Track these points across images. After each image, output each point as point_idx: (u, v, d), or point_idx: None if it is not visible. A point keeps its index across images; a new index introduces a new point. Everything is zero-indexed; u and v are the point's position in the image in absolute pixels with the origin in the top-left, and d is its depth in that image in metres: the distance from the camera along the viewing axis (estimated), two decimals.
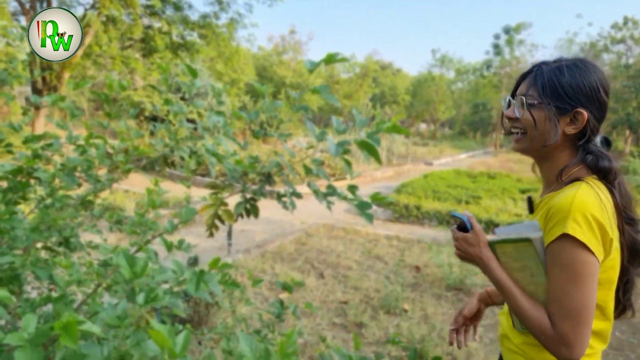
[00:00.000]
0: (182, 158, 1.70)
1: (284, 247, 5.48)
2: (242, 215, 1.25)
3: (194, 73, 1.48)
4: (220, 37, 13.53)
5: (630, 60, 29.89)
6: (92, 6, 10.97)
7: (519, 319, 1.11)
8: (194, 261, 2.96)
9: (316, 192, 1.25)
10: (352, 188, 1.26)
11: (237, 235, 5.96)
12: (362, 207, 1.16)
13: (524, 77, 1.18)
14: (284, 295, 4.05)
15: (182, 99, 13.75)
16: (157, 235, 1.20)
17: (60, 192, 1.51)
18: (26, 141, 1.55)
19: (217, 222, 1.25)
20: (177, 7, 12.81)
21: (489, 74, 34.63)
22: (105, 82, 1.56)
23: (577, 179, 1.09)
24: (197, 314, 3.05)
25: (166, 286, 1.06)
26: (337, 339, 3.31)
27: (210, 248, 5.31)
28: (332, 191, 1.25)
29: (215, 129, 1.70)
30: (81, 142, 1.61)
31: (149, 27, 12.48)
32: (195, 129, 1.70)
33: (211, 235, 1.28)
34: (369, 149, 1.12)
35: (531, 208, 1.23)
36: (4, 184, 1.37)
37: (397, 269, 4.91)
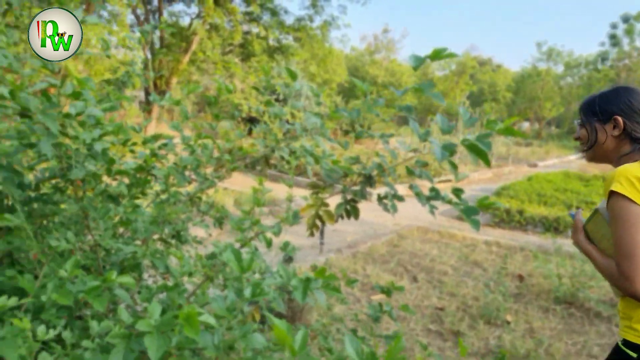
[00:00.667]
0: (282, 158, 1.73)
1: (375, 248, 5.43)
2: (342, 216, 1.23)
3: (293, 76, 1.50)
4: (314, 39, 13.82)
5: None
6: (198, 15, 11.79)
7: (604, 276, 1.36)
8: (288, 259, 3.03)
9: (419, 195, 1.19)
10: (458, 191, 1.19)
11: (329, 235, 6.02)
12: (468, 213, 1.08)
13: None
14: (377, 297, 4.00)
15: (277, 100, 14.28)
16: (260, 233, 1.23)
17: (173, 189, 1.61)
18: (145, 141, 1.68)
19: (317, 222, 1.24)
20: (274, 13, 13.33)
21: (605, 67, 31.43)
22: (206, 87, 1.64)
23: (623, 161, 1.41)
24: (291, 310, 3.12)
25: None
26: (432, 347, 3.18)
27: (303, 246, 5.42)
28: (435, 194, 1.18)
29: (313, 130, 1.71)
30: (191, 142, 1.71)
31: (247, 32, 13.14)
32: (287, 130, 1.72)
33: (311, 235, 1.28)
34: (478, 152, 1.04)
35: None
36: (126, 180, 1.49)
37: (497, 277, 4.61)
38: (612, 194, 1.27)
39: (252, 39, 12.99)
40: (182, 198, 1.58)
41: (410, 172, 1.20)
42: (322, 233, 5.11)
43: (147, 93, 11.29)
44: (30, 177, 1.22)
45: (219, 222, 1.76)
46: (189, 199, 1.70)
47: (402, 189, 1.23)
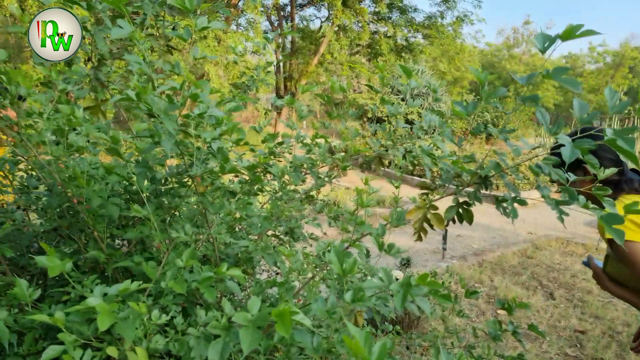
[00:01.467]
0: (395, 158, 1.67)
1: (505, 257, 5.01)
2: (453, 221, 1.13)
3: (408, 73, 1.43)
4: (444, 35, 13.29)
5: None
6: (327, 18, 12.14)
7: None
8: (406, 262, 2.93)
9: (547, 198, 1.04)
10: (600, 192, 1.01)
11: (452, 240, 5.73)
12: (610, 221, 0.91)
13: None
14: (504, 312, 3.69)
15: (403, 100, 14.05)
16: (366, 234, 1.19)
17: (289, 187, 1.66)
18: (264, 140, 1.76)
19: (426, 226, 1.16)
20: (403, 11, 13.13)
21: None
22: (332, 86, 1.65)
23: None
24: (408, 316, 3.02)
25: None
26: None
27: (424, 250, 5.24)
28: (569, 197, 1.02)
29: (432, 129, 1.62)
30: (308, 141, 1.74)
31: (375, 32, 13.14)
32: (411, 129, 1.65)
33: (419, 239, 1.20)
34: (621, 150, 0.87)
35: None
36: (246, 177, 1.57)
37: None
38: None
39: (379, 39, 12.95)
40: (297, 196, 1.62)
41: (535, 172, 1.06)
42: (444, 237, 4.88)
43: (278, 95, 12.01)
44: (163, 172, 1.35)
45: (334, 221, 1.76)
46: (304, 196, 1.73)
47: (533, 193, 1.09)
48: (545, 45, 0.95)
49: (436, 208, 1.14)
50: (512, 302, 1.32)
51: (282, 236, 1.61)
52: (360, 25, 11.91)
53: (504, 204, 1.05)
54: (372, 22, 12.53)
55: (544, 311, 3.69)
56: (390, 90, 14.55)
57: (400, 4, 12.92)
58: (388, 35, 12.83)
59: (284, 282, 1.21)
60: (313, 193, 1.75)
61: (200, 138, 1.10)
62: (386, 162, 1.68)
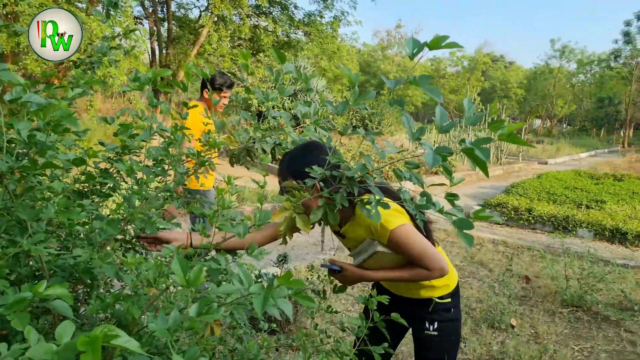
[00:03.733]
0: (264, 151, 1.60)
1: None
2: (319, 223, 1.10)
3: (282, 58, 1.36)
4: (323, 34, 13.63)
5: None
6: (207, 8, 11.66)
7: (405, 280, 1.58)
8: (283, 258, 2.90)
9: (407, 202, 1.06)
10: (451, 198, 1.05)
11: (328, 231, 5.88)
12: (461, 226, 0.94)
13: None
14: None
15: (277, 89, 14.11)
16: (228, 239, 1.10)
17: (150, 185, 1.49)
18: (117, 134, 1.56)
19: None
20: (284, 7, 13.17)
21: (618, 65, 30.79)
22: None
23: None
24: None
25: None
26: None
27: (304, 243, 5.30)
28: (426, 202, 1.04)
29: (305, 120, 1.58)
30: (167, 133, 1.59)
31: (256, 26, 12.99)
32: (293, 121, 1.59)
33: (284, 243, 1.15)
34: (476, 160, 0.90)
35: (342, 235, 1.70)
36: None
37: (503, 278, 4.45)
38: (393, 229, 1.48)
39: (260, 33, 12.83)
40: (152, 194, 1.46)
41: (398, 176, 1.06)
42: (323, 230, 4.97)
43: (154, 90, 11.23)
44: None
45: (193, 224, 1.63)
46: (163, 195, 1.58)
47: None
48: (415, 51, 0.96)
49: (302, 210, 1.10)
50: (374, 296, 1.33)
51: (132, 242, 1.44)
52: (240, 17, 11.66)
53: (368, 206, 1.04)
54: (253, 15, 12.34)
55: None
56: (273, 85, 14.52)
57: (281, 0, 12.94)
58: (269, 30, 12.77)
59: (130, 295, 1.07)
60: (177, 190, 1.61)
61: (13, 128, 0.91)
62: (259, 156, 1.61)
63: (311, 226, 1.11)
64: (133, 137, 1.51)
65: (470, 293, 4.02)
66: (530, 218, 7.05)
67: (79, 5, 8.78)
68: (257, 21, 13.21)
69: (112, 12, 1.60)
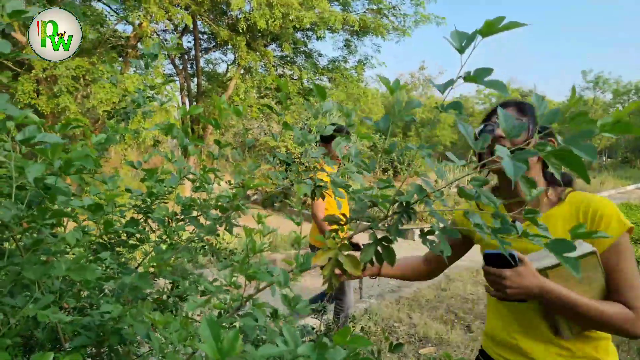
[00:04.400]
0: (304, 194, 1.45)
1: (421, 292, 4.97)
2: (371, 262, 0.92)
3: (322, 94, 1.23)
4: (348, 79, 13.80)
5: None
6: (234, 62, 12.05)
7: (597, 323, 1.11)
8: (322, 309, 2.66)
9: (480, 227, 0.87)
10: (532, 215, 0.86)
11: (368, 278, 5.61)
12: (560, 250, 0.75)
13: (495, 109, 1.21)
14: (425, 351, 3.55)
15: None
16: (264, 288, 0.94)
17: (181, 235, 1.35)
18: (144, 179, 1.45)
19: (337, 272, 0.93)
20: (308, 55, 13.48)
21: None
22: (240, 130, 1.41)
23: (562, 192, 1.25)
24: None
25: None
26: None
27: None
28: (504, 225, 0.85)
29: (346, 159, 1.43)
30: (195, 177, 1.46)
31: (281, 75, 13.29)
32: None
33: (330, 290, 0.97)
34: (574, 164, 0.73)
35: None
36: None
37: None
38: (627, 232, 1.15)
39: (286, 82, 13.10)
40: (189, 245, 1.32)
41: (467, 195, 0.89)
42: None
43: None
44: None
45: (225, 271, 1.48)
46: (195, 244, 1.44)
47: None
48: (464, 44, 0.80)
49: (350, 248, 0.93)
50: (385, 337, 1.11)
51: (165, 297, 1.29)
52: (266, 67, 11.96)
53: (431, 237, 0.87)
54: (278, 65, 12.66)
55: (464, 346, 3.60)
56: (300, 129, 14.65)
57: (305, 48, 13.26)
58: (294, 77, 13.03)
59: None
60: (208, 239, 1.47)
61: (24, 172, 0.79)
62: (294, 200, 1.46)
63: (362, 267, 0.93)
64: (161, 182, 1.39)
65: None
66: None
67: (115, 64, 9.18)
68: (282, 71, 13.53)
69: (150, 65, 1.56)
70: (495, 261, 1.12)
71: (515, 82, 46.11)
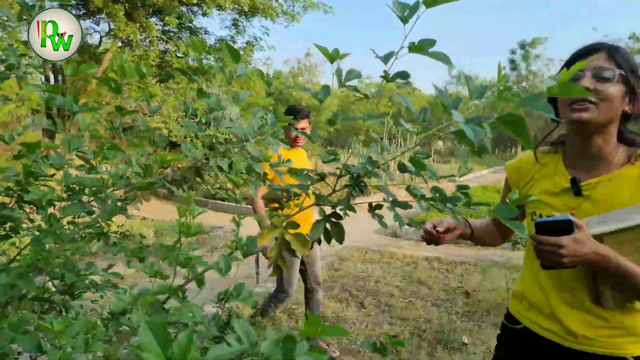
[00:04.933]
0: (220, 169, 1.30)
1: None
2: (319, 241, 0.84)
3: (236, 55, 1.09)
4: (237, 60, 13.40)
5: None
6: (108, 33, 10.92)
7: None
8: (224, 297, 2.52)
9: (420, 199, 0.83)
10: (464, 190, 0.85)
11: (263, 262, 5.53)
12: (504, 214, 0.74)
13: (590, 52, 1.16)
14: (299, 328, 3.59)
15: (199, 123, 13.55)
16: (196, 276, 0.80)
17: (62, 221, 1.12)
18: (18, 156, 1.18)
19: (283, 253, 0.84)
20: (193, 32, 12.77)
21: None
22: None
23: (637, 155, 1.15)
24: None
25: None
26: None
27: (238, 276, 4.89)
28: (442, 195, 0.83)
29: (258, 135, 1.32)
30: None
31: (165, 51, 12.41)
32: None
33: (277, 274, 0.87)
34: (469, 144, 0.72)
35: (579, 190, 1.18)
36: None
37: (445, 295, 4.41)
38: None
39: (171, 60, 12.25)
40: (69, 231, 1.10)
41: (403, 169, 0.85)
42: (257, 260, 4.62)
43: (50, 117, 10.16)
44: None
45: (139, 259, 1.28)
46: (84, 231, 1.22)
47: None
48: (407, 13, 0.75)
49: (297, 226, 0.83)
50: (386, 340, 1.07)
51: (51, 297, 1.07)
52: (148, 41, 11.04)
53: (379, 211, 0.81)
54: (161, 39, 11.77)
55: (359, 322, 3.73)
56: (184, 114, 13.86)
57: (190, 24, 12.53)
58: (179, 55, 12.25)
59: None
60: (99, 225, 1.25)
61: None
62: (206, 177, 1.30)
63: (310, 245, 0.84)
64: (45, 159, 1.14)
65: (417, 314, 3.90)
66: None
67: None
68: (165, 47, 12.63)
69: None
70: (548, 229, 1.05)
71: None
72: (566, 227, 1.03)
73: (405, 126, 0.83)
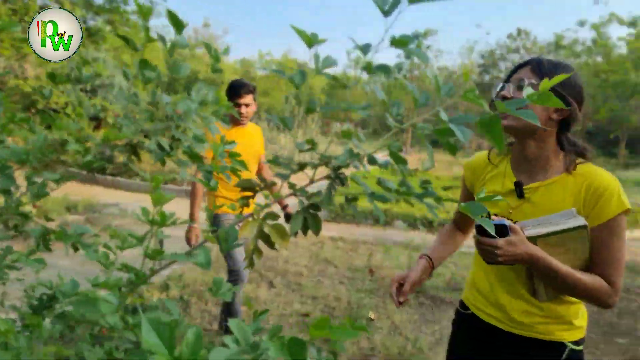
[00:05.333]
0: (160, 147, 1.19)
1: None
2: (295, 234, 0.81)
3: (179, 25, 0.99)
4: (129, 23, 12.33)
5: None
6: None
7: (575, 292, 1.21)
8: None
9: (386, 191, 0.84)
10: (426, 184, 0.88)
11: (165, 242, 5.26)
12: (474, 211, 0.77)
13: (520, 66, 1.30)
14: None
15: (84, 91, 12.31)
16: (159, 270, 0.73)
17: None
18: None
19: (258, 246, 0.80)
20: None
21: (400, 76, 36.09)
22: None
23: (575, 162, 1.25)
24: None
25: None
26: None
27: (131, 257, 4.60)
28: (410, 188, 0.85)
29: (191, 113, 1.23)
30: None
31: (43, 7, 10.96)
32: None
33: (251, 266, 0.83)
34: (450, 146, 0.75)
35: (521, 193, 1.30)
36: None
37: (351, 273, 4.60)
38: (624, 212, 1.18)
39: None
40: None
41: (373, 162, 0.86)
42: (161, 242, 4.37)
43: None
44: None
45: (16, 230, 1.12)
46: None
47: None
48: (387, 7, 0.74)
49: (276, 217, 0.79)
50: (350, 324, 1.07)
51: None
52: None
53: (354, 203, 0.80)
54: None
55: (271, 302, 3.75)
56: (67, 79, 12.42)
57: None
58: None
59: None
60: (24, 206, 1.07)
61: None
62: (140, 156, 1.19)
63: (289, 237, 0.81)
64: None
65: (326, 292, 4.02)
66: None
67: None
68: (43, 1, 11.16)
69: None
70: (486, 232, 1.15)
71: (293, 53, 49.16)
72: (502, 230, 1.15)
73: (390, 121, 0.82)
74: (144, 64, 1.10)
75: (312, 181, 0.80)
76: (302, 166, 0.81)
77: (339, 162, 0.78)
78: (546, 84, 0.72)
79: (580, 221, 1.17)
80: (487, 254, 1.17)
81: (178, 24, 0.99)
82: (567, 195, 1.22)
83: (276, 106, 27.61)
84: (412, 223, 7.24)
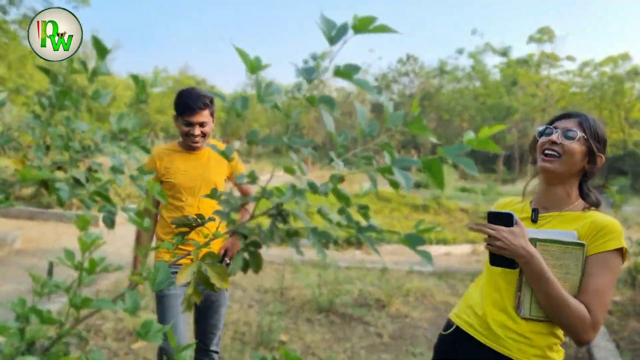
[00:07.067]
0: (76, 181, 1.12)
1: (120, 282, 4.61)
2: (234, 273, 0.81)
3: (102, 50, 0.96)
4: (8, 34, 11.14)
5: (413, 91, 35.75)
6: None
7: (557, 311, 1.25)
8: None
9: (329, 220, 0.89)
10: (364, 210, 0.94)
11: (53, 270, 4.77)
12: (413, 242, 0.84)
13: (565, 116, 1.45)
14: (138, 345, 3.32)
15: None
16: (85, 318, 0.69)
17: None
18: None
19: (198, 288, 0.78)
20: None
21: (300, 96, 37.03)
22: None
23: (587, 207, 1.40)
24: None
25: None
26: None
27: (13, 292, 4.13)
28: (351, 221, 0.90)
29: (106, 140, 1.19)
30: None
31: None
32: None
33: (189, 309, 0.81)
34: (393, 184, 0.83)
35: (536, 218, 1.44)
36: None
37: (259, 295, 4.56)
38: (620, 251, 1.28)
39: None
40: None
41: (315, 189, 0.88)
42: (50, 271, 3.95)
43: None
44: None
45: None
46: None
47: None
48: (334, 34, 0.73)
49: (217, 257, 0.79)
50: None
51: None
52: None
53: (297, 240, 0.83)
54: None
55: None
56: None
57: None
58: None
59: None
60: None
61: None
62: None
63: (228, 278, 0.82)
64: None
65: (235, 317, 3.94)
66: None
67: None
68: None
69: None
70: (495, 220, 1.32)
71: (190, 69, 47.96)
72: (508, 220, 1.30)
73: (333, 157, 0.84)
74: (64, 95, 1.04)
75: (252, 217, 0.82)
76: (243, 203, 0.82)
77: (282, 200, 0.80)
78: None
79: (580, 241, 1.29)
80: (490, 239, 1.31)
81: (102, 50, 0.95)
82: (573, 227, 1.34)
83: (172, 125, 26.53)
84: (324, 241, 7.38)
